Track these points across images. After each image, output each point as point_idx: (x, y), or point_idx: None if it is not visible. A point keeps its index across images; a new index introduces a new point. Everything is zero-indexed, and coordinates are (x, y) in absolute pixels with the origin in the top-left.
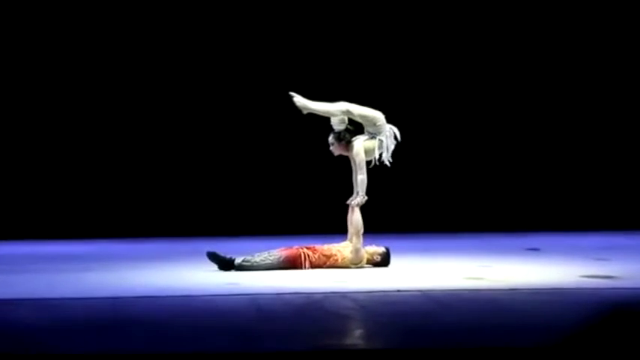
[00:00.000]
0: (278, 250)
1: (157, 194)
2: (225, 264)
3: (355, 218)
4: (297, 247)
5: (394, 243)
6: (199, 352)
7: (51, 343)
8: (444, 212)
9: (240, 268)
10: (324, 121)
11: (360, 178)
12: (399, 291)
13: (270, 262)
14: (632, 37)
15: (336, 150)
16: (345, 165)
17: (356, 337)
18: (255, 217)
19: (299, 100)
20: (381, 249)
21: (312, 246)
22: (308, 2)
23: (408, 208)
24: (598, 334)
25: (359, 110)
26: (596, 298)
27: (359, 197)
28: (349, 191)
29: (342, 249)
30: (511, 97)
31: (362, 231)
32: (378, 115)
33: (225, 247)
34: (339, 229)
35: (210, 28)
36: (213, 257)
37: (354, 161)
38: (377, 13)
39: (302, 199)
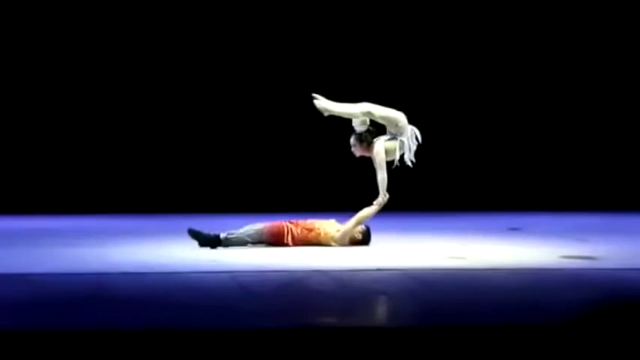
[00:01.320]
0: (262, 224)
1: (141, 171)
2: (207, 241)
3: (368, 211)
4: (280, 221)
5: (375, 222)
6: (179, 329)
7: (30, 319)
8: (425, 191)
9: (226, 241)
10: (343, 121)
11: (381, 177)
12: (379, 269)
13: (253, 233)
14: (630, 39)
15: (357, 151)
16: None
17: (337, 315)
18: (247, 195)
19: (320, 102)
20: (362, 227)
21: (295, 221)
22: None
23: (388, 187)
24: (595, 324)
25: (380, 111)
26: (576, 279)
27: (381, 197)
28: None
29: (325, 225)
30: (495, 85)
31: (363, 224)
32: (400, 117)
33: (220, 224)
34: (347, 207)
35: (224, 24)
36: (195, 235)
37: (375, 161)
38: (397, 15)
39: (303, 179)
